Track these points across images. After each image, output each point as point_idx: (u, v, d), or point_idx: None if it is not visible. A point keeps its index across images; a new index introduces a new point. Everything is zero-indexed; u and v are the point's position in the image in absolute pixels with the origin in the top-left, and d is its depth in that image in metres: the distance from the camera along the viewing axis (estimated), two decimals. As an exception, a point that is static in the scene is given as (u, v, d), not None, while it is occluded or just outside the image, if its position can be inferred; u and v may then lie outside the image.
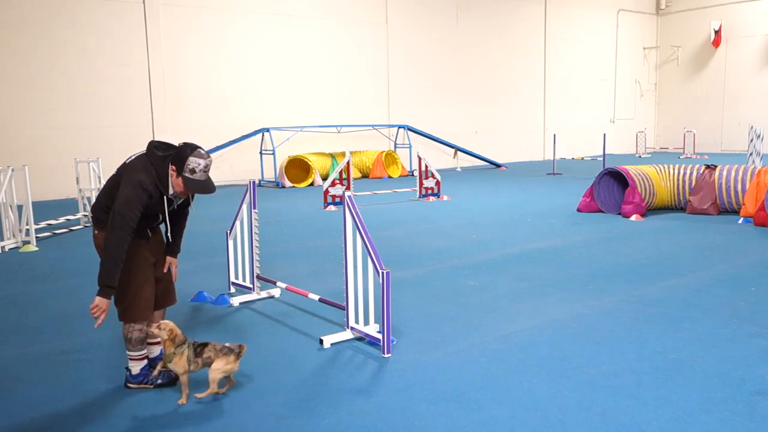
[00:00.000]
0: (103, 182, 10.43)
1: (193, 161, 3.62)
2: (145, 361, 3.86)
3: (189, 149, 3.65)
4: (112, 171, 3.96)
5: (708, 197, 9.92)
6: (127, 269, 3.73)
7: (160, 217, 3.85)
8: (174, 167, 3.65)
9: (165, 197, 3.72)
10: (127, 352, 3.81)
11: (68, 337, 4.78)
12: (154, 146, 3.74)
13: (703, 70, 27.18)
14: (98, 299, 3.60)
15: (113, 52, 15.50)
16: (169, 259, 4.05)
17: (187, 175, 3.64)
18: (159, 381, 3.83)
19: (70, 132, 15.05)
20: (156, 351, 4.01)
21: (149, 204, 3.67)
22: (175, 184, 3.69)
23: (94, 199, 10.41)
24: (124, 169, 3.72)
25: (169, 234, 3.97)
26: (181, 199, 3.88)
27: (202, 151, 3.68)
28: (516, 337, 4.55)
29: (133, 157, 3.79)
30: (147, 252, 3.87)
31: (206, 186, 3.69)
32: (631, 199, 9.83)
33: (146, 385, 3.81)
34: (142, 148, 3.87)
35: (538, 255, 7.36)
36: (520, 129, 24.12)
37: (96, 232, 3.89)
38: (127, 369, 3.83)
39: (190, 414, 3.46)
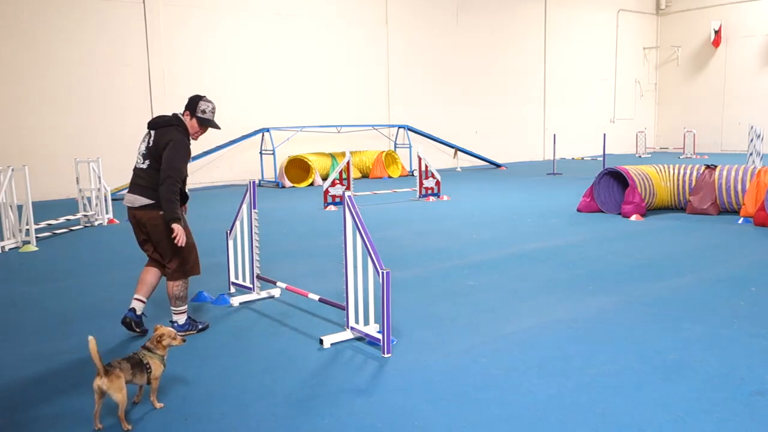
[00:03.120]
0: (104, 182, 10.49)
1: (203, 104, 4.60)
2: (186, 315, 4.77)
3: (198, 97, 4.63)
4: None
5: (708, 197, 9.92)
6: (187, 233, 4.59)
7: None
8: (188, 112, 4.60)
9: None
10: (174, 308, 4.73)
11: (68, 337, 4.78)
12: (178, 116, 4.66)
13: (703, 70, 27.18)
14: (175, 226, 4.46)
15: (113, 52, 15.50)
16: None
17: (199, 115, 4.58)
18: (200, 326, 4.80)
19: (70, 132, 15.05)
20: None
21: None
22: (189, 126, 4.60)
23: (93, 199, 10.44)
24: (162, 137, 4.51)
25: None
26: None
27: (208, 98, 4.67)
28: (516, 337, 4.55)
29: (159, 129, 4.58)
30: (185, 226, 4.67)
31: (215, 123, 4.67)
32: (631, 199, 9.83)
33: (191, 332, 4.72)
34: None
35: (538, 255, 7.36)
36: (520, 129, 24.12)
37: (154, 213, 4.59)
38: (173, 322, 4.72)
39: (190, 414, 3.46)
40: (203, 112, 4.58)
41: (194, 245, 4.78)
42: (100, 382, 3.29)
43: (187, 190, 4.83)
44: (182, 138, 4.53)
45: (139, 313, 4.72)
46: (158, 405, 3.52)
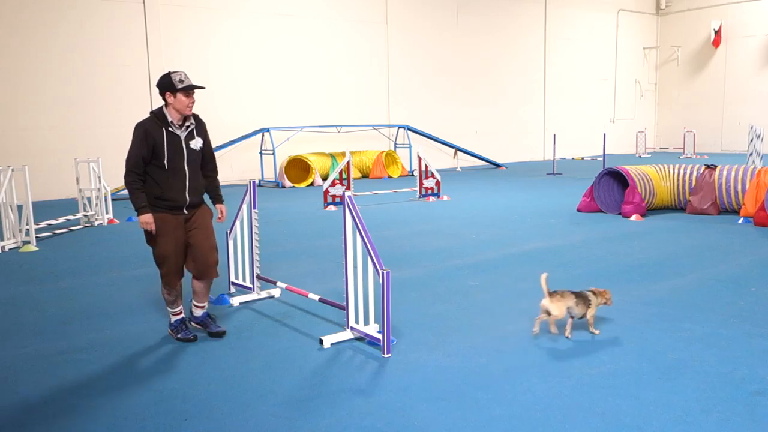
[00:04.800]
0: (104, 182, 10.49)
1: (175, 75, 4.39)
2: (176, 317, 4.71)
3: (165, 75, 4.41)
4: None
5: (708, 197, 9.92)
6: (165, 243, 4.50)
7: (180, 163, 4.45)
8: (168, 92, 4.38)
9: (165, 130, 4.40)
10: (167, 308, 4.76)
11: (68, 338, 4.78)
12: (151, 112, 4.55)
13: (703, 70, 27.18)
14: (139, 217, 4.46)
15: (113, 52, 15.50)
16: (217, 206, 4.87)
17: (179, 86, 4.35)
18: (179, 335, 4.62)
19: (70, 132, 15.05)
20: (198, 312, 4.82)
21: (156, 143, 4.36)
22: (177, 105, 4.39)
23: (94, 199, 10.45)
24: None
25: (187, 182, 4.51)
26: (199, 144, 4.55)
27: (173, 70, 4.49)
28: (516, 337, 4.55)
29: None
30: (171, 226, 4.50)
31: (197, 84, 4.43)
32: (631, 199, 9.82)
33: (172, 333, 4.69)
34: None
35: (538, 255, 7.36)
36: (520, 129, 24.13)
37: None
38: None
39: (190, 414, 3.46)
40: (180, 81, 4.37)
41: (169, 257, 4.55)
42: (544, 301, 4.47)
43: (218, 189, 4.85)
44: (135, 131, 4.43)
45: (197, 314, 4.82)
46: (595, 331, 4.55)
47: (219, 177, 4.90)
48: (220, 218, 4.84)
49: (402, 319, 4.97)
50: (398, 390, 3.70)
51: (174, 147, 4.44)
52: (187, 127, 4.53)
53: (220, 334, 4.69)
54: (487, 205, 11.87)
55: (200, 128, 4.63)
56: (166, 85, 4.37)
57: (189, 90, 4.39)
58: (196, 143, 4.57)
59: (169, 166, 4.44)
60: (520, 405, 3.46)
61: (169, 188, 4.46)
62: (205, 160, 4.70)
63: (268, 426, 3.31)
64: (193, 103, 4.47)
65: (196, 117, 4.61)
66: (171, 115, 4.44)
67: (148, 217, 4.44)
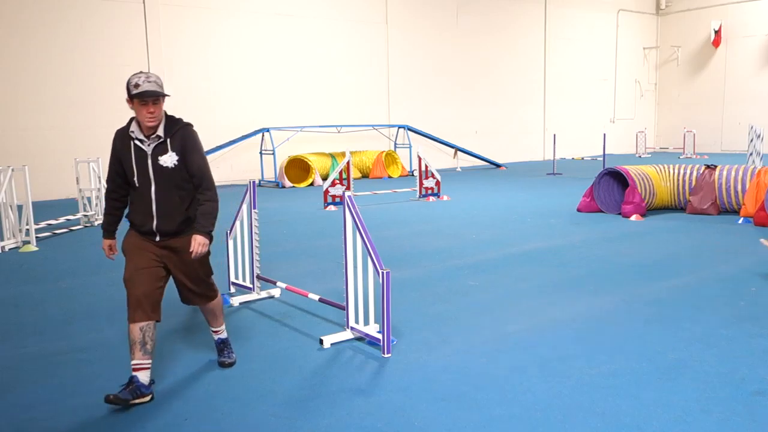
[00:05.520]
0: (104, 182, 10.49)
1: (132, 78, 3.60)
2: (134, 373, 3.60)
3: (130, 78, 3.64)
4: None
5: (708, 197, 9.92)
6: (128, 266, 3.76)
7: (145, 182, 3.69)
8: (128, 99, 3.64)
9: (133, 143, 3.68)
10: None
11: (68, 338, 4.78)
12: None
13: (703, 70, 27.18)
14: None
15: (113, 52, 15.50)
16: (193, 236, 3.77)
17: (134, 91, 3.57)
18: (130, 399, 3.53)
19: (70, 132, 15.06)
20: (214, 337, 4.25)
21: (123, 158, 3.73)
22: (137, 114, 3.64)
23: (94, 199, 10.45)
24: None
25: (154, 205, 3.71)
26: (173, 160, 3.69)
27: (137, 72, 3.68)
28: (516, 337, 4.55)
29: None
30: (137, 249, 3.77)
31: (148, 91, 3.56)
32: (631, 199, 9.83)
33: (127, 392, 3.58)
34: None
35: (538, 255, 7.36)
36: (520, 129, 24.12)
37: None
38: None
39: (190, 415, 3.46)
40: (136, 86, 3.56)
41: (131, 282, 3.69)
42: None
43: (205, 215, 3.77)
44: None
45: (215, 338, 4.28)
46: None
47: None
48: (191, 251, 3.72)
49: (402, 319, 4.97)
50: (398, 390, 3.70)
51: (141, 163, 3.69)
52: (157, 138, 3.69)
53: (223, 365, 4.13)
54: (487, 205, 11.88)
55: (178, 141, 3.72)
56: (127, 90, 3.63)
57: (145, 98, 3.56)
58: (168, 159, 3.68)
59: (138, 185, 3.73)
60: (520, 405, 3.46)
61: (135, 210, 3.79)
62: (194, 178, 3.77)
63: (268, 426, 3.31)
64: (152, 114, 3.61)
65: (181, 126, 3.77)
66: (137, 125, 3.70)
67: (104, 244, 3.93)
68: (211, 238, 3.81)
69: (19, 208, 8.84)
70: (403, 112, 20.52)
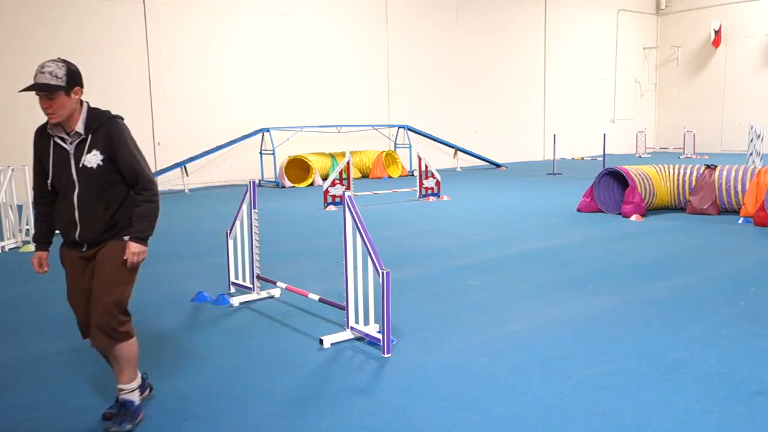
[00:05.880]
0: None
1: (37, 70, 3.14)
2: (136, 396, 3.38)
3: None
4: None
5: (708, 197, 9.92)
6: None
7: (68, 184, 3.27)
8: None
9: (53, 141, 3.23)
10: None
11: (68, 338, 4.77)
12: None
13: (703, 70, 27.18)
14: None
15: (113, 52, 15.49)
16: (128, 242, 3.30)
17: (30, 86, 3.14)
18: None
19: (70, 132, 15.04)
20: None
21: (42, 157, 3.29)
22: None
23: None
24: None
25: (76, 211, 3.34)
26: (97, 159, 3.22)
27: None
28: (516, 337, 4.55)
29: None
30: (68, 264, 3.53)
31: (37, 81, 3.11)
32: (631, 199, 9.83)
33: None
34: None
35: (538, 255, 7.36)
36: (520, 129, 24.12)
37: None
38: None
39: (190, 415, 3.46)
40: (34, 77, 3.16)
41: (72, 302, 3.50)
42: None
43: (141, 218, 3.33)
44: None
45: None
46: None
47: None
48: (126, 259, 3.29)
49: (402, 319, 4.97)
50: (398, 390, 3.70)
51: (62, 164, 3.23)
52: (78, 135, 3.22)
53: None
54: (487, 205, 11.87)
55: (102, 137, 3.23)
56: None
57: (34, 92, 3.11)
58: (93, 159, 3.21)
59: (59, 189, 3.31)
60: (520, 405, 3.46)
61: (58, 218, 3.42)
62: (127, 178, 3.30)
63: (268, 426, 3.31)
64: (48, 110, 3.12)
65: (105, 120, 3.28)
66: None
67: (34, 257, 3.56)
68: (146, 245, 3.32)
69: (19, 208, 8.84)
70: (403, 112, 20.52)
